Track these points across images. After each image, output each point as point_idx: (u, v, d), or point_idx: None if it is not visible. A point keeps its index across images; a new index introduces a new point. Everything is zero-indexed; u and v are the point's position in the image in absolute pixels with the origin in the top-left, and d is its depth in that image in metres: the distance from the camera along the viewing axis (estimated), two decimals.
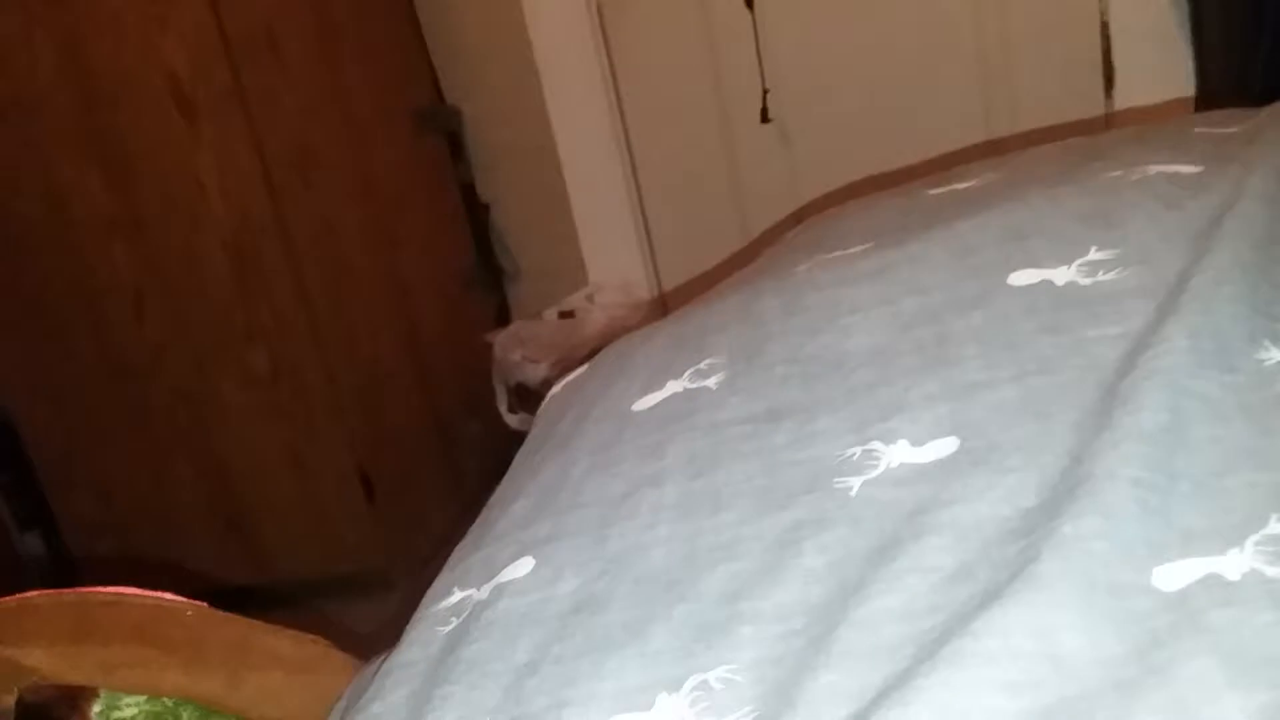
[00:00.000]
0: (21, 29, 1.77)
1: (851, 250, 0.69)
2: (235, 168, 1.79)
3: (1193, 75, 1.83)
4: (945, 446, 0.49)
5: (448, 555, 0.69)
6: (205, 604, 0.57)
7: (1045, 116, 1.97)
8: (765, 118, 2.16)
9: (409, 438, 2.08)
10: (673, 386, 0.62)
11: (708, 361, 0.62)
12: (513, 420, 2.24)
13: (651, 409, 0.61)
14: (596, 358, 0.75)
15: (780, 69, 2.13)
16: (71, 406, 1.97)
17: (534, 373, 2.26)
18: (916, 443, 0.50)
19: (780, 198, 2.21)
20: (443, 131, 2.30)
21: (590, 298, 2.33)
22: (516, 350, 2.28)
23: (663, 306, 2.36)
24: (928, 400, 0.52)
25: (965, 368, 0.53)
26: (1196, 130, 0.76)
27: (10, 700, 0.53)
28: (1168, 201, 0.61)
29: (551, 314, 2.34)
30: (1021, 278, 0.59)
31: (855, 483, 0.49)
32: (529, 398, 2.25)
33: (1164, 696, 0.35)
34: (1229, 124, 0.77)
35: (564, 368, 2.22)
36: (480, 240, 2.37)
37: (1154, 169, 0.67)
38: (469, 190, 2.36)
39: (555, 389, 0.76)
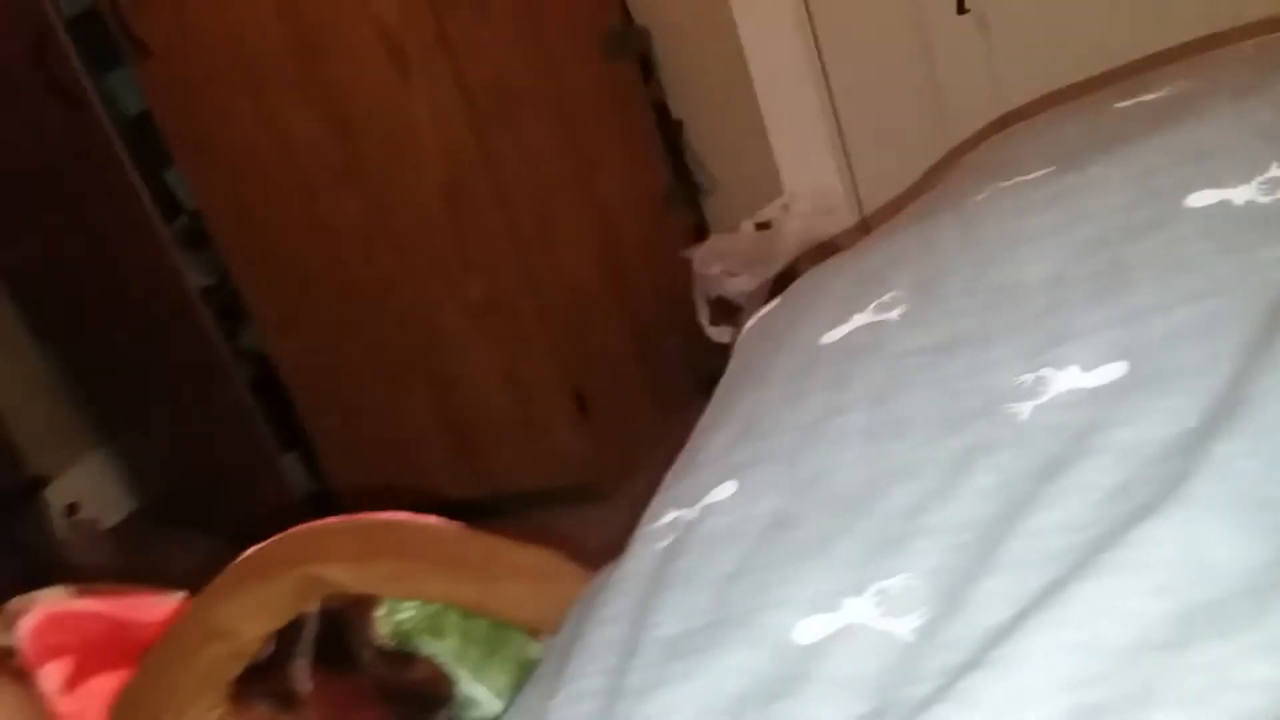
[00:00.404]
0: None
1: (1031, 176, 0.71)
2: (444, 111, 1.91)
3: None
4: (1114, 371, 0.53)
5: (657, 464, 0.77)
6: (461, 523, 0.67)
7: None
8: (962, 8, 2.09)
9: (617, 354, 2.19)
10: (858, 320, 0.66)
11: (890, 294, 0.66)
12: (714, 333, 2.31)
13: (838, 342, 0.66)
14: (788, 291, 0.81)
15: None
16: (317, 339, 2.18)
17: (734, 285, 2.32)
18: (1086, 368, 0.53)
19: (981, 94, 2.14)
20: (632, 52, 2.35)
21: (786, 207, 2.35)
22: (715, 264, 2.33)
23: (859, 212, 2.36)
24: (1099, 326, 0.55)
25: (1138, 292, 0.56)
26: None
27: (315, 609, 0.65)
28: None
29: (748, 226, 2.37)
30: (1200, 199, 0.60)
31: (1026, 408, 0.53)
32: (730, 310, 2.31)
33: None
34: None
35: (763, 279, 2.27)
36: (675, 158, 2.42)
37: None
38: (661, 109, 2.41)
39: (750, 322, 0.82)
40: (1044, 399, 0.53)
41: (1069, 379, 0.54)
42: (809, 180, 2.33)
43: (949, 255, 0.67)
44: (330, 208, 2.04)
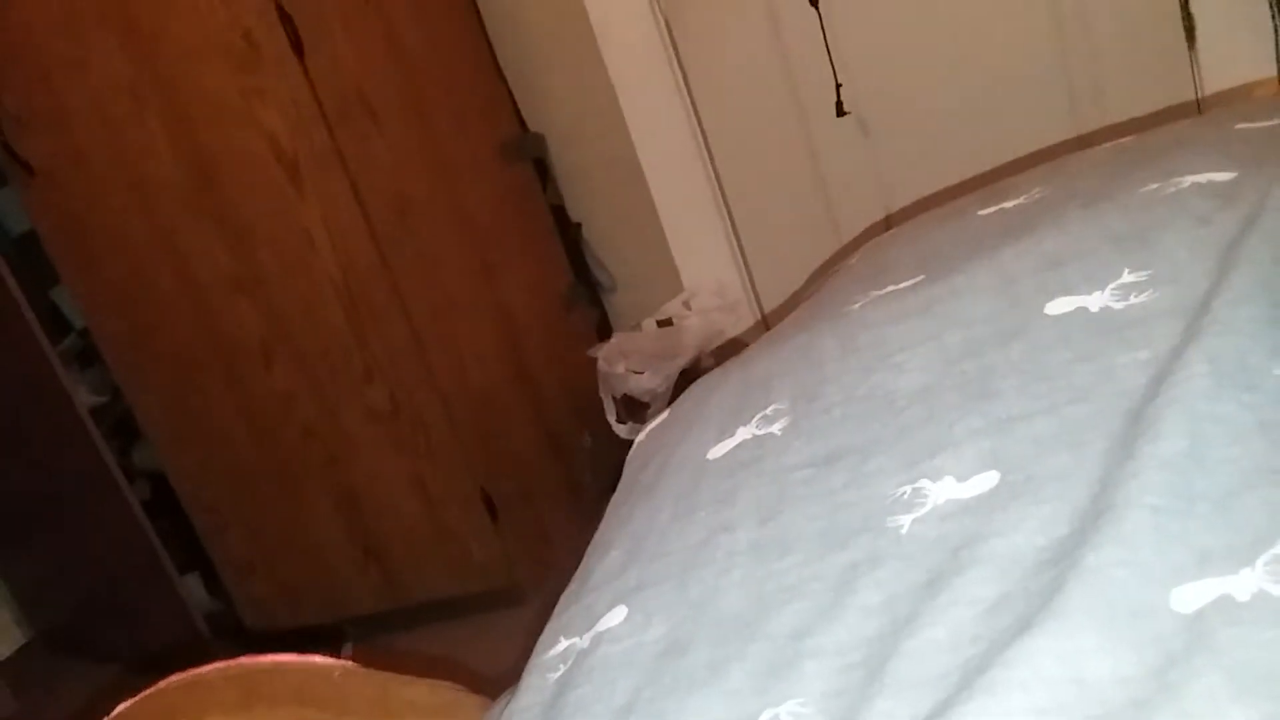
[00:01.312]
0: (134, 113, 1.91)
1: (903, 284, 0.73)
2: (340, 221, 1.90)
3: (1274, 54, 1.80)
4: (987, 481, 0.54)
5: (572, 566, 0.76)
6: (351, 662, 0.66)
7: (1130, 101, 1.94)
8: (840, 111, 2.18)
9: (526, 456, 2.18)
10: (742, 433, 0.68)
11: (773, 407, 0.68)
12: (622, 430, 2.32)
13: (724, 457, 0.67)
14: (676, 403, 0.82)
15: (851, 62, 2.15)
16: (215, 454, 2.13)
17: (639, 383, 2.33)
18: (961, 478, 0.55)
19: (865, 188, 2.23)
20: (529, 158, 2.39)
21: (686, 304, 2.39)
22: (619, 362, 2.35)
23: (757, 306, 2.40)
24: (971, 435, 0.57)
25: (1005, 401, 0.58)
26: (1238, 127, 0.78)
27: None
28: (1198, 217, 0.65)
29: (650, 323, 2.40)
30: (1058, 306, 0.63)
31: (906, 520, 0.54)
32: (636, 407, 2.32)
33: (1174, 711, 0.40)
34: (1274, 114, 0.79)
35: (667, 375, 2.29)
36: (575, 258, 2.45)
37: (1189, 179, 0.70)
38: (559, 211, 2.44)
39: (640, 436, 0.83)
40: (922, 511, 0.54)
41: (945, 490, 0.55)
42: (707, 277, 2.37)
43: (828, 365, 0.68)
44: (227, 321, 2.01)
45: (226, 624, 2.26)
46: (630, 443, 0.86)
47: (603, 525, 0.75)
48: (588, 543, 0.76)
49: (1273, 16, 1.80)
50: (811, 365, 0.70)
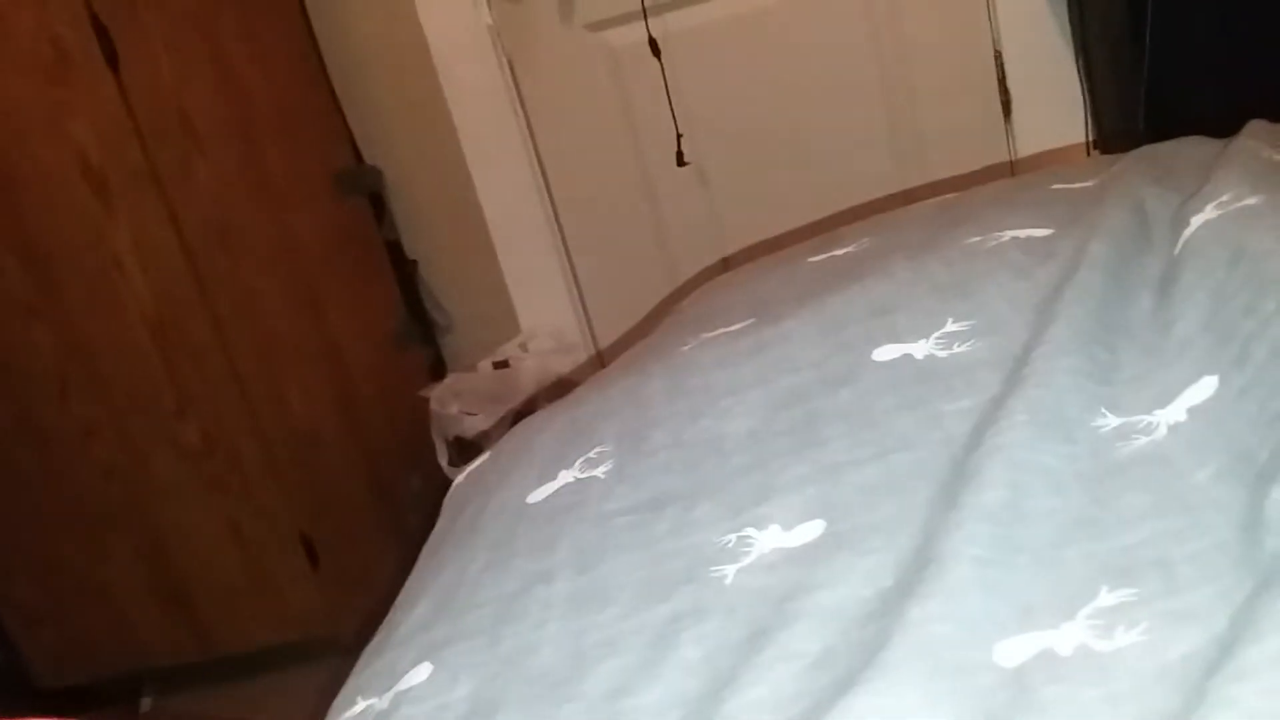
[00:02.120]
0: None
1: (733, 327, 0.72)
2: (153, 245, 1.79)
3: (1085, 119, 1.91)
4: (813, 529, 0.52)
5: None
6: None
7: (951, 160, 2.03)
8: (681, 161, 2.20)
9: (349, 498, 2.09)
10: (564, 476, 0.64)
11: (597, 450, 0.65)
12: (453, 474, 2.25)
13: (545, 500, 0.63)
14: (496, 445, 0.78)
15: (692, 114, 2.17)
16: (4, 493, 1.96)
17: (472, 425, 2.28)
18: (787, 527, 0.53)
19: (703, 237, 2.26)
20: (364, 192, 2.32)
21: (523, 346, 2.36)
22: (453, 403, 2.29)
23: (595, 350, 2.39)
24: (798, 483, 0.55)
25: (832, 447, 0.56)
26: (1054, 187, 0.81)
27: None
28: (1018, 270, 0.65)
29: (486, 365, 2.35)
30: (885, 353, 0.62)
31: (730, 570, 0.52)
32: (468, 450, 2.27)
33: None
34: (1087, 176, 0.81)
35: (500, 417, 2.24)
36: (410, 296, 2.39)
37: (1009, 234, 0.71)
38: (395, 247, 2.38)
39: (458, 478, 0.79)
40: (747, 560, 0.52)
41: (771, 539, 0.53)
42: (545, 319, 2.35)
43: (656, 408, 0.66)
44: (19, 347, 1.85)
45: (11, 679, 2.07)
46: None
47: (413, 574, 0.70)
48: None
49: (1082, 89, 1.91)
50: (639, 408, 0.67)
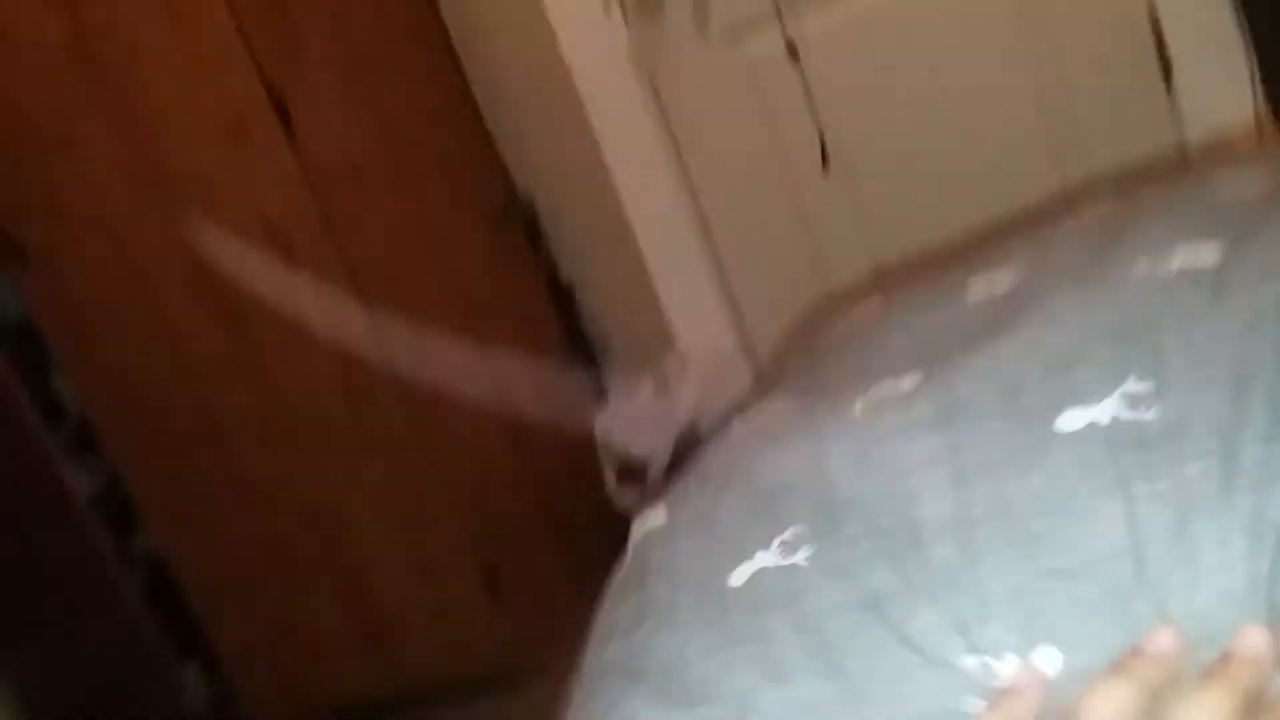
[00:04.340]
0: (127, 198, 1.91)
1: (903, 382, 0.72)
2: (332, 295, 1.90)
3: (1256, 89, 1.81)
4: (1052, 661, 0.52)
5: (576, 650, 0.73)
6: None
7: (1113, 147, 1.95)
8: (825, 163, 2.18)
9: (528, 529, 2.16)
10: (763, 558, 0.64)
11: (791, 531, 0.64)
12: (620, 495, 2.30)
13: (748, 584, 0.63)
14: (673, 498, 0.78)
15: (835, 117, 2.15)
16: (214, 539, 2.11)
17: (637, 449, 2.32)
18: (1022, 654, 0.53)
19: (854, 243, 2.23)
20: (519, 222, 2.39)
21: (682, 366, 2.38)
22: (616, 427, 2.34)
23: (754, 367, 2.40)
24: (1017, 596, 0.54)
25: (1038, 549, 0.55)
26: (1220, 199, 0.77)
27: None
28: (1189, 312, 0.63)
29: (646, 386, 2.39)
30: (1069, 421, 0.61)
31: (979, 706, 0.52)
32: (635, 471, 2.31)
33: None
34: (1254, 182, 0.78)
35: (664, 438, 2.27)
36: (568, 322, 2.45)
37: (1177, 263, 0.68)
38: (552, 275, 2.44)
39: (637, 534, 0.79)
40: (994, 686, 0.52)
41: (1008, 669, 0.53)
42: (702, 338, 2.37)
43: (844, 484, 0.66)
44: (222, 403, 2.00)
45: (226, 714, 2.22)
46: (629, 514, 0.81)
47: (614, 638, 0.72)
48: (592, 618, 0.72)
49: (1247, 51, 1.81)
50: (825, 482, 0.67)
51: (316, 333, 1.93)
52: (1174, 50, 1.91)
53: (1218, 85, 1.88)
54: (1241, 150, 1.83)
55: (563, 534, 2.24)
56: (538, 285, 2.40)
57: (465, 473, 2.04)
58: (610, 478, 2.28)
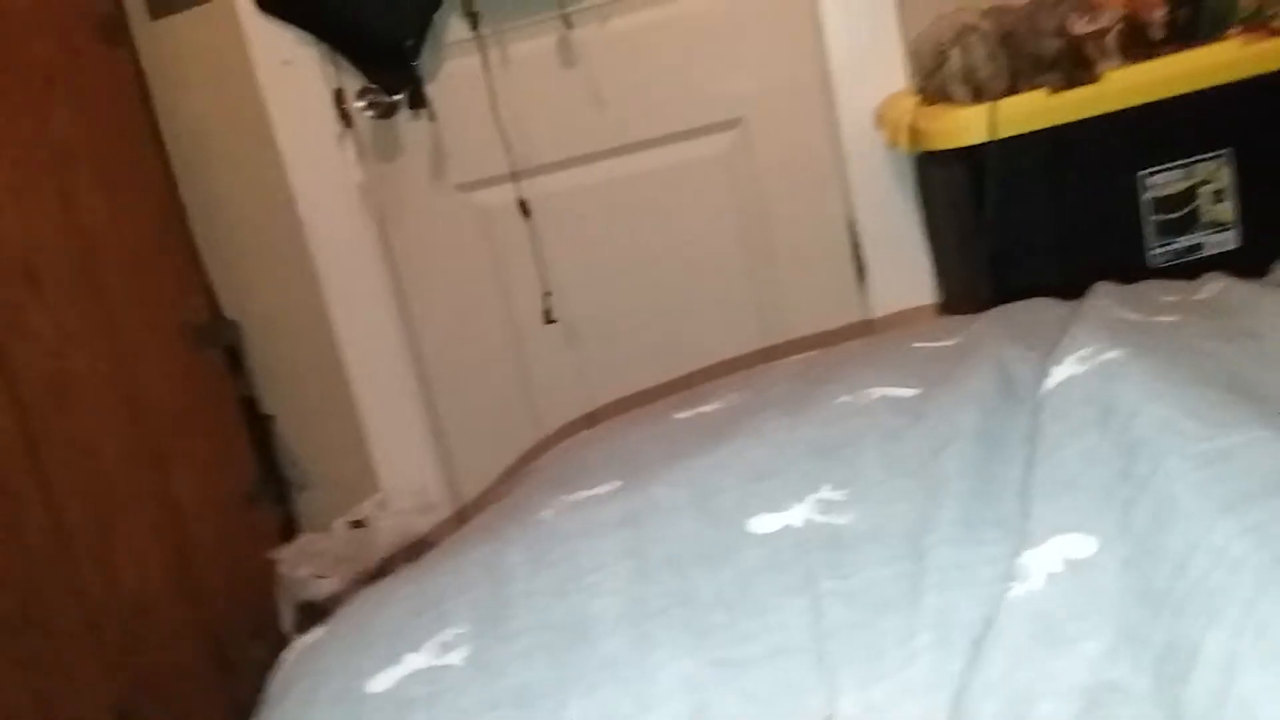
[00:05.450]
0: None
1: (598, 489, 0.68)
2: None
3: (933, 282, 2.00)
4: None
5: None
6: None
7: (810, 318, 2.08)
8: (549, 319, 2.19)
9: (180, 667, 1.93)
10: (412, 661, 0.58)
11: (452, 631, 0.59)
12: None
13: (389, 691, 0.57)
14: (333, 618, 0.71)
15: (560, 274, 2.18)
16: None
17: (323, 588, 2.15)
18: None
19: (571, 395, 2.23)
20: (220, 345, 2.23)
21: (382, 505, 2.26)
22: (305, 565, 2.17)
23: (459, 511, 2.31)
24: (683, 687, 0.50)
25: (716, 640, 0.52)
26: (915, 346, 0.80)
27: None
28: (889, 433, 0.64)
29: (341, 525, 2.24)
30: (761, 524, 0.60)
31: None
32: (318, 615, 2.13)
33: None
34: (947, 335, 0.82)
35: (354, 580, 2.12)
36: (264, 453, 2.28)
37: (877, 392, 0.70)
38: (250, 403, 2.28)
39: (289, 655, 0.71)
40: None
41: None
42: (406, 478, 2.27)
43: (517, 583, 0.61)
44: None
45: None
46: None
47: None
48: None
49: (931, 258, 1.99)
50: (496, 582, 0.62)
51: None
52: (867, 249, 2.07)
53: (903, 281, 2.05)
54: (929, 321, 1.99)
55: (224, 674, 2.01)
56: (233, 412, 2.23)
57: (114, 605, 1.80)
58: (289, 621, 2.09)
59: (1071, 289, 0.82)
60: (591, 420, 2.18)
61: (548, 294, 2.17)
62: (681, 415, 0.81)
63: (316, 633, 0.71)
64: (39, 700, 1.76)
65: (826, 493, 0.62)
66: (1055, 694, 0.43)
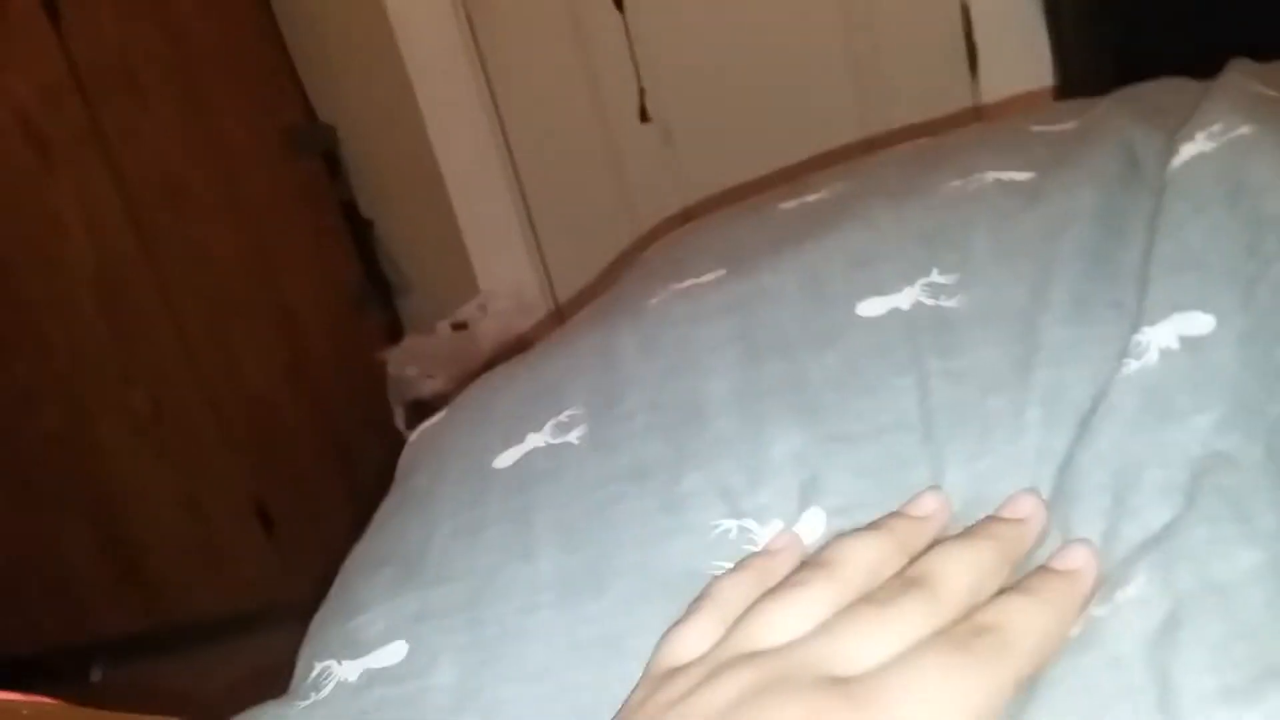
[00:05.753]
0: None
1: (704, 278, 0.68)
2: (96, 205, 1.73)
3: (1052, 64, 1.89)
4: (815, 522, 0.49)
5: None
6: (46, 698, 0.54)
7: (915, 108, 2.00)
8: (644, 117, 2.16)
9: (306, 465, 2.04)
10: (533, 440, 0.60)
11: (568, 413, 0.61)
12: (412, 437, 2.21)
13: (514, 466, 0.59)
14: (453, 402, 0.74)
15: (656, 68, 2.13)
16: None
17: (430, 387, 2.24)
18: (788, 520, 0.49)
19: (666, 195, 2.21)
20: (318, 150, 2.25)
21: (482, 307, 2.31)
22: (410, 366, 2.25)
23: (556, 311, 2.35)
24: (793, 462, 0.51)
25: (825, 418, 0.53)
26: (1033, 129, 0.77)
27: None
28: (1003, 215, 0.62)
29: (444, 326, 2.31)
30: (870, 307, 0.59)
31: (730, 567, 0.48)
32: (427, 413, 2.22)
33: None
34: (1067, 118, 0.78)
35: (459, 380, 2.20)
36: (366, 257, 2.33)
37: (990, 176, 0.68)
38: (350, 207, 2.32)
39: (413, 436, 0.74)
40: (747, 549, 0.49)
41: (772, 534, 0.50)
42: (505, 279, 2.30)
43: (628, 367, 0.62)
44: None
45: None
46: None
47: (368, 537, 0.66)
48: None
49: (1050, 40, 1.89)
50: (609, 366, 0.63)
51: (73, 242, 1.75)
52: (980, 34, 1.97)
53: (1019, 68, 1.95)
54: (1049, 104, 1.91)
55: (344, 472, 2.13)
56: (334, 216, 2.27)
57: (240, 405, 1.90)
58: (401, 418, 2.18)
59: (1206, 70, 0.77)
60: (687, 217, 2.16)
61: (642, 90, 2.13)
62: (786, 205, 0.79)
63: (439, 417, 0.73)
64: (182, 492, 1.89)
65: (935, 276, 0.61)
66: (1163, 463, 0.43)
